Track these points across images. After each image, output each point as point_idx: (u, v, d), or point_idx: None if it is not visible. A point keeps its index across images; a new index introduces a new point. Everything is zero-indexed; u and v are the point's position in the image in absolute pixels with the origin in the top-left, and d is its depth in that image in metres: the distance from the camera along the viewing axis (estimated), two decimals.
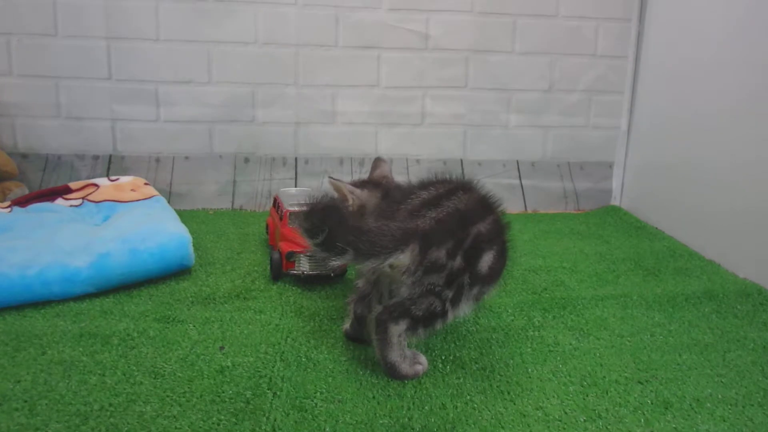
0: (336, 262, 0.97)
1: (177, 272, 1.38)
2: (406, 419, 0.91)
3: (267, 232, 1.61)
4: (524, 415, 0.93)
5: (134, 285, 1.31)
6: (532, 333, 1.19)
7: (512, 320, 1.23)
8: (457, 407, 0.95)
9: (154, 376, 0.99)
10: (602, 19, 1.91)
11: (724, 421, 0.94)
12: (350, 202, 1.24)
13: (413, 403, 0.95)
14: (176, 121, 1.85)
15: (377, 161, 1.38)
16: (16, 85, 1.77)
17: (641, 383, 1.03)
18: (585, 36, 1.92)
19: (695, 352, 1.14)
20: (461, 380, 1.02)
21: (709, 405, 0.97)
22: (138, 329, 1.13)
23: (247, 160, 1.89)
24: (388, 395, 0.97)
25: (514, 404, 0.96)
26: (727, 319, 1.28)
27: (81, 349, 1.06)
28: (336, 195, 1.23)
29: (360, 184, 1.28)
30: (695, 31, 1.71)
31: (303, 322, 1.20)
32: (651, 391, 1.00)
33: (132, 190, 1.63)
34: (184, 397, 0.94)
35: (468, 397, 0.97)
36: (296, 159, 1.92)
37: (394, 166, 1.93)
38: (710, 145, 1.64)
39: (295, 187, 1.89)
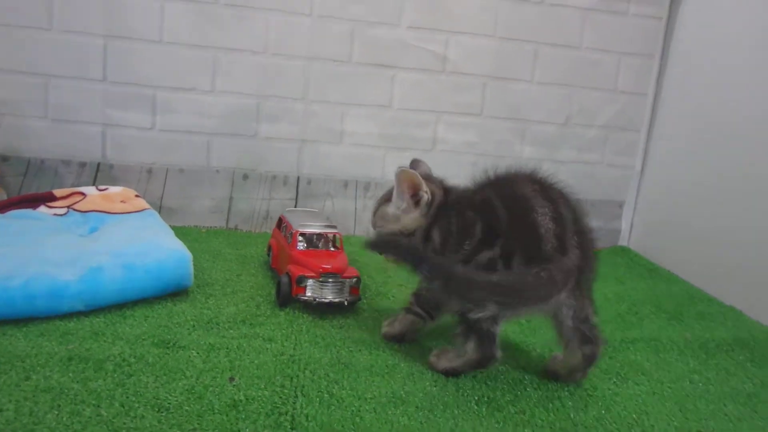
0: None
1: (173, 293, 1.25)
2: None
3: (269, 255, 1.49)
4: None
5: (127, 305, 1.17)
6: None
7: (542, 360, 1.14)
8: None
9: (157, 409, 0.86)
10: (624, 53, 1.87)
11: None
12: (425, 197, 1.14)
13: None
14: (173, 130, 1.72)
15: (416, 162, 1.31)
16: (1, 81, 1.63)
17: None
18: (606, 70, 1.88)
19: (740, 402, 1.08)
20: (500, 425, 0.93)
21: None
22: (135, 354, 1.00)
23: (246, 176, 1.77)
24: None
25: None
26: (764, 368, 1.23)
27: (71, 374, 0.92)
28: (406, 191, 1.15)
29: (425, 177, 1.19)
30: (717, 71, 1.69)
31: (320, 353, 1.09)
32: None
33: (122, 201, 1.50)
34: None
35: None
36: (298, 178, 1.80)
37: None
38: (723, 192, 1.62)
39: (295, 207, 1.78)
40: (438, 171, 1.84)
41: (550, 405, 1.00)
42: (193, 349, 1.04)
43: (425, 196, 1.14)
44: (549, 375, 1.09)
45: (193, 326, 1.13)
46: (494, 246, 0.99)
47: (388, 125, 1.82)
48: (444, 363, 1.07)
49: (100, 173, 1.70)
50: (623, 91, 1.90)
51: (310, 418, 0.88)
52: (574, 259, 0.98)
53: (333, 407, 0.92)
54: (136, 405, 0.86)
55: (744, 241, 1.54)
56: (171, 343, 1.05)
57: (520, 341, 1.23)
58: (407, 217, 1.15)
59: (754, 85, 1.56)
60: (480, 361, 1.03)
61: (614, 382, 1.10)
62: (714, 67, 1.71)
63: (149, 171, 1.73)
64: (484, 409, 0.96)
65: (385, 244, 1.14)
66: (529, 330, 1.28)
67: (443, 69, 1.80)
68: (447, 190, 1.17)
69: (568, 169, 1.88)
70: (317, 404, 0.92)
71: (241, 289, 1.33)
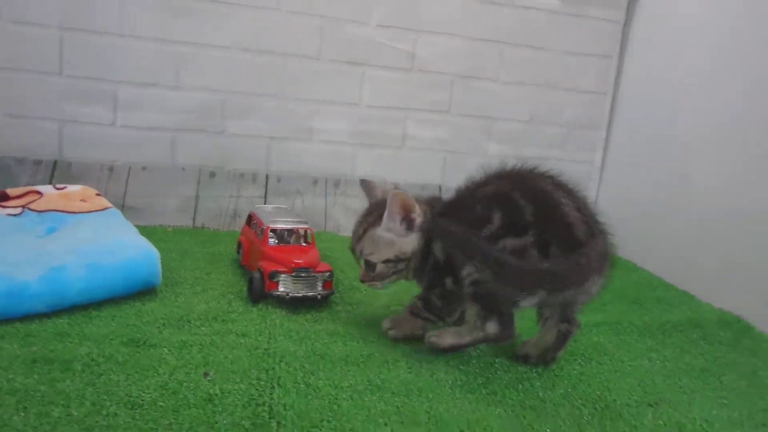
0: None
1: (141, 292, 1.21)
2: None
3: (238, 252, 1.46)
4: None
5: (92, 305, 1.13)
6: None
7: (513, 345, 1.15)
8: None
9: (130, 406, 0.83)
10: (586, 54, 1.92)
11: None
12: (419, 220, 1.13)
13: (429, 430, 0.86)
14: (136, 127, 1.68)
15: (366, 182, 1.28)
16: None
17: (651, 406, 1.02)
18: (568, 70, 1.92)
19: (693, 376, 1.15)
20: (473, 405, 0.95)
21: (718, 426, 0.98)
22: (103, 354, 0.96)
23: (213, 174, 1.74)
24: (401, 422, 0.87)
25: (533, 429, 0.90)
26: (714, 345, 1.30)
27: (36, 376, 0.88)
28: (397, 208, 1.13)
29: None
30: (672, 70, 1.75)
31: (294, 345, 1.07)
32: (662, 413, 0.99)
33: (82, 200, 1.45)
34: (170, 429, 0.79)
35: (485, 423, 0.89)
36: (267, 176, 1.78)
37: None
38: (678, 186, 1.70)
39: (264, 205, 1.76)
40: (408, 167, 1.86)
41: (520, 386, 1.03)
42: (164, 347, 1.01)
43: (418, 219, 1.13)
44: (520, 359, 1.12)
45: (164, 324, 1.10)
46: (524, 235, 1.00)
47: (358, 122, 1.81)
48: (450, 340, 1.09)
49: (57, 171, 1.64)
50: (584, 91, 1.94)
51: (287, 408, 0.86)
52: (603, 244, 1.02)
53: (310, 396, 0.91)
54: (108, 403, 0.83)
55: (696, 233, 1.61)
56: (141, 342, 1.02)
57: None
58: (404, 241, 1.13)
59: (706, 84, 1.62)
60: (499, 337, 1.07)
61: (579, 362, 1.15)
62: (668, 67, 1.77)
63: (110, 169, 1.68)
64: (457, 392, 0.98)
65: (440, 231, 1.09)
66: None
67: (412, 67, 1.81)
68: (430, 204, 1.17)
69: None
70: (294, 394, 0.91)
71: (212, 287, 1.31)
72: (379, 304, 1.31)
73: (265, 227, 1.32)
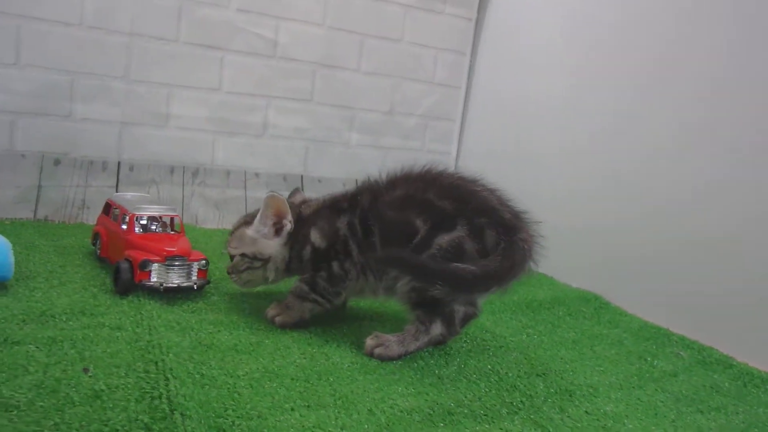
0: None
1: None
2: (338, 429, 0.82)
3: (94, 244, 1.36)
4: (451, 413, 0.90)
5: None
6: None
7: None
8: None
9: (4, 408, 0.75)
10: (441, 49, 2.02)
11: (620, 402, 1.03)
12: (288, 226, 1.18)
13: (338, 412, 0.87)
14: None
15: (296, 192, 1.32)
16: None
17: (540, 376, 1.09)
18: (425, 63, 2.01)
19: (568, 347, 1.25)
20: (375, 385, 0.96)
21: (602, 390, 1.06)
22: None
23: (57, 161, 1.58)
24: (307, 406, 0.87)
25: (438, 404, 0.93)
26: (579, 320, 1.44)
27: None
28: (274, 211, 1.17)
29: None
30: (519, 67, 1.91)
31: (178, 337, 1.02)
32: (552, 382, 1.07)
33: None
34: (58, 429, 0.72)
35: (391, 402, 0.91)
36: (119, 164, 1.66)
37: (231, 179, 1.79)
38: (524, 173, 1.85)
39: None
40: (270, 156, 1.84)
41: (415, 364, 1.07)
42: (30, 344, 0.92)
43: (288, 225, 1.17)
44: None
45: (23, 320, 1.00)
46: (454, 229, 1.03)
47: (217, 109, 1.75)
48: (397, 349, 1.07)
49: None
50: (440, 84, 2.05)
51: (188, 398, 0.83)
52: (529, 228, 1.08)
53: (207, 386, 0.87)
54: None
55: (549, 219, 1.74)
56: (1, 340, 0.92)
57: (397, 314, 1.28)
58: (264, 243, 1.17)
59: (551, 79, 1.80)
60: (445, 337, 1.11)
61: (465, 340, 1.21)
62: (516, 62, 1.93)
63: None
64: (356, 374, 0.99)
65: (393, 261, 1.08)
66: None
67: (273, 54, 1.79)
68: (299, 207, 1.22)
69: (393, 156, 1.98)
70: (191, 385, 0.87)
71: (70, 280, 1.20)
72: (256, 293, 1.30)
73: (130, 215, 1.25)
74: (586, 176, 1.66)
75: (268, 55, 1.78)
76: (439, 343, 1.13)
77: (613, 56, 1.62)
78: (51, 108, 1.56)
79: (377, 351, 1.07)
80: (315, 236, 1.15)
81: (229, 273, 1.20)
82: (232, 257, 1.19)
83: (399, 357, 1.08)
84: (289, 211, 1.17)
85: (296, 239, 1.17)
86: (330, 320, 1.21)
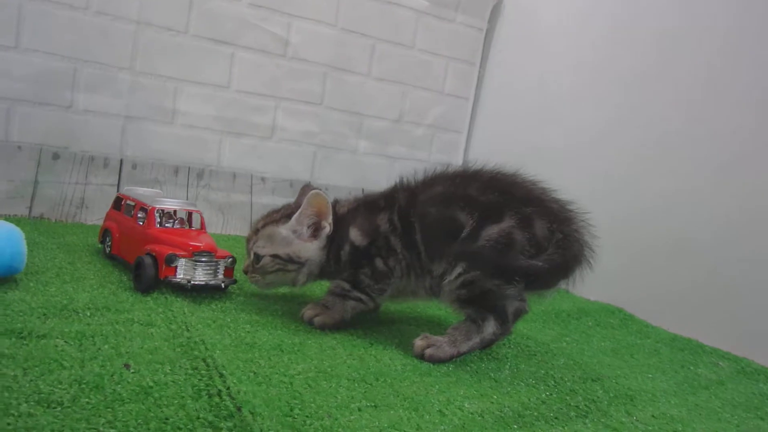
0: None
1: None
2: (414, 430, 0.75)
3: (103, 242, 1.25)
4: (521, 416, 0.85)
5: None
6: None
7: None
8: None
9: (46, 404, 0.65)
10: (451, 58, 1.99)
11: (681, 407, 0.99)
12: (327, 229, 1.11)
13: (408, 413, 0.80)
14: None
15: (308, 187, 1.23)
16: None
17: (595, 381, 1.04)
18: (435, 72, 1.97)
19: (608, 355, 1.22)
20: (444, 386, 0.89)
21: (660, 395, 1.03)
22: None
23: (56, 156, 1.47)
24: (375, 407, 0.80)
25: (505, 407, 0.88)
26: (608, 329, 1.41)
27: None
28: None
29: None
30: (529, 80, 1.90)
31: (218, 335, 0.94)
32: (609, 387, 1.02)
33: None
34: (113, 427, 0.63)
35: (458, 404, 0.85)
36: (122, 161, 1.55)
37: (237, 183, 1.70)
38: None
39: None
40: (277, 160, 1.76)
41: (468, 368, 1.00)
42: (57, 338, 0.82)
43: (327, 228, 1.11)
44: None
45: (44, 314, 0.90)
46: (502, 220, 0.99)
47: (225, 107, 1.67)
48: (449, 350, 1.01)
49: None
50: (449, 94, 2.02)
51: (253, 396, 0.74)
52: (580, 219, 1.04)
53: (264, 385, 0.79)
54: (16, 402, 0.64)
55: None
56: (24, 333, 0.82)
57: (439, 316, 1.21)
58: (301, 245, 1.10)
59: (561, 92, 1.79)
60: (497, 336, 1.05)
61: (510, 347, 1.16)
62: (526, 75, 1.92)
63: None
64: (412, 375, 0.92)
65: (470, 257, 1.02)
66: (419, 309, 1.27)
67: (284, 53, 1.72)
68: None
69: (399, 165, 1.93)
70: (248, 383, 0.79)
71: (83, 277, 1.10)
72: (282, 293, 1.22)
73: (150, 208, 1.15)
74: (593, 188, 1.65)
75: (278, 54, 1.71)
76: (490, 343, 1.07)
77: (617, 57, 1.62)
78: (51, 97, 1.45)
79: (428, 352, 1.00)
80: (354, 235, 1.09)
81: (247, 273, 1.12)
82: (258, 257, 1.10)
83: (450, 358, 1.01)
84: (331, 212, 1.10)
85: (333, 240, 1.10)
86: (368, 322, 1.14)
